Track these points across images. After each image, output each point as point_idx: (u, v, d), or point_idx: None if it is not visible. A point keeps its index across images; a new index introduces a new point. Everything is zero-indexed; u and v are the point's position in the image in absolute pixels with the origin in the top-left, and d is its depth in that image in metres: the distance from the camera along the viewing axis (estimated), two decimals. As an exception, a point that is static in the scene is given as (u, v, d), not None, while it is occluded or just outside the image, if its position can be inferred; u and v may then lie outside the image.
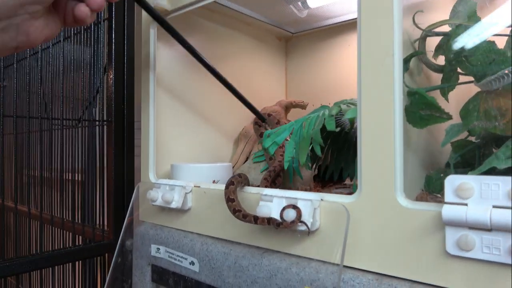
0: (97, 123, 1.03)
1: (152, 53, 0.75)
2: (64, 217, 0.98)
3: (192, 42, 0.86)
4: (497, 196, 0.36)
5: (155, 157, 0.75)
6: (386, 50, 0.44)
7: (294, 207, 0.47)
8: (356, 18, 0.46)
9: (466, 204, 0.37)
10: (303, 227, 0.46)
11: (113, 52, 0.98)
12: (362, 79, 0.45)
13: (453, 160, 0.53)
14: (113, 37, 0.99)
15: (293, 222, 0.46)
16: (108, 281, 0.68)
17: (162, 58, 0.79)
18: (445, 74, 0.53)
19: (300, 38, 1.07)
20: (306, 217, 0.47)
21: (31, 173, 1.11)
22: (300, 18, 0.95)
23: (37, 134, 1.05)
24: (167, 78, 0.81)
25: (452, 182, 0.38)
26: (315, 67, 1.04)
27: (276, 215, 0.49)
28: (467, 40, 0.46)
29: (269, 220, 0.48)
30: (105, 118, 1.01)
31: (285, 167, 0.55)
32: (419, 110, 0.46)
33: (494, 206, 0.36)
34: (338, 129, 0.52)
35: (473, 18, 0.49)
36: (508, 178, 0.35)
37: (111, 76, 0.98)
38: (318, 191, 0.66)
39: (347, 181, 0.67)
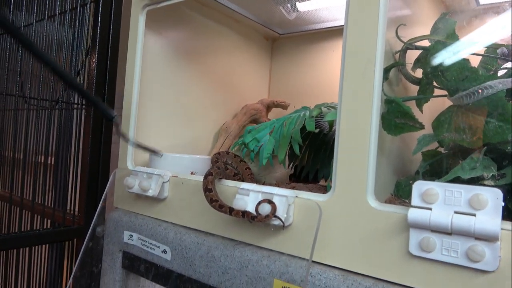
0: (75, 106, 1.02)
1: (140, 40, 0.75)
2: (35, 200, 0.96)
3: (180, 33, 0.87)
4: (459, 202, 0.38)
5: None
6: (368, 58, 0.46)
7: (270, 202, 0.49)
8: (342, 25, 0.48)
9: (430, 209, 0.40)
10: (277, 222, 0.48)
11: (97, 35, 0.96)
12: (344, 84, 0.47)
13: (422, 168, 0.56)
14: (99, 19, 0.98)
15: (267, 216, 0.48)
16: (77, 265, 0.67)
17: (149, 47, 0.79)
18: (421, 87, 0.56)
19: (287, 40, 1.08)
20: (280, 212, 0.48)
21: (3, 153, 1.09)
22: (288, 20, 0.97)
23: (11, 113, 1.03)
24: (152, 67, 0.81)
25: (419, 187, 0.41)
26: (299, 69, 1.06)
27: (251, 208, 0.50)
28: (444, 56, 0.49)
29: (244, 213, 0.50)
30: (84, 102, 0.99)
31: (264, 163, 0.57)
32: (395, 118, 0.49)
33: (455, 212, 0.38)
34: (318, 130, 0.54)
35: (452, 35, 0.52)
36: (470, 186, 0.38)
37: (93, 60, 0.97)
38: (295, 186, 0.68)
39: (322, 182, 0.70)
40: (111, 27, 0.99)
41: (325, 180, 0.62)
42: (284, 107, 0.97)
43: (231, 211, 0.51)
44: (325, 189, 0.59)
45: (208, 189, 0.55)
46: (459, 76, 0.47)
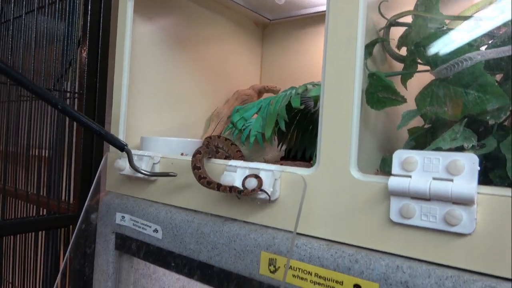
0: (68, 94, 1.02)
1: (129, 27, 0.75)
2: (29, 190, 0.97)
3: (170, 20, 0.87)
4: (437, 169, 0.39)
5: (126, 129, 0.75)
6: (350, 34, 0.46)
7: (256, 176, 0.50)
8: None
9: (410, 176, 0.41)
10: (263, 195, 0.49)
11: (88, 24, 0.97)
12: (327, 59, 0.48)
13: (407, 144, 0.57)
14: (89, 9, 0.98)
15: (253, 190, 0.49)
16: (71, 246, 0.68)
17: (139, 33, 0.80)
18: (405, 64, 0.57)
19: (277, 26, 1.09)
20: (266, 186, 0.49)
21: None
22: (278, 5, 0.97)
23: (4, 105, 1.03)
24: (142, 54, 0.81)
25: (400, 156, 0.42)
26: (290, 54, 1.07)
27: (239, 184, 0.51)
28: (425, 30, 0.50)
29: (231, 188, 0.51)
30: (76, 90, 1.00)
31: (251, 140, 0.58)
32: (377, 92, 0.49)
33: (434, 178, 0.39)
34: (303, 106, 0.55)
35: (435, 9, 0.53)
36: (447, 153, 0.39)
37: (84, 50, 0.98)
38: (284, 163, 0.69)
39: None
40: (102, 15, 0.99)
41: (311, 158, 0.63)
42: (275, 92, 0.98)
43: (218, 187, 0.52)
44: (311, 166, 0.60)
45: (197, 167, 0.56)
46: (441, 50, 0.48)
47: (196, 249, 0.56)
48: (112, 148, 0.75)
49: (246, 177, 0.50)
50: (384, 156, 0.60)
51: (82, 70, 0.98)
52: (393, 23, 0.55)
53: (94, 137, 1.00)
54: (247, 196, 0.49)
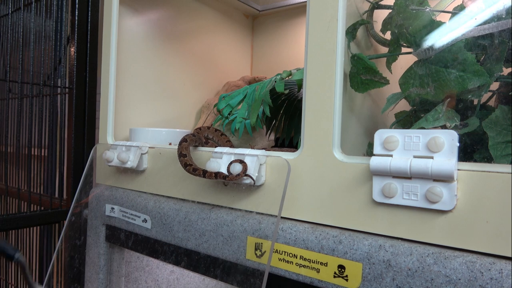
0: (58, 90, 1.02)
1: (115, 18, 0.75)
2: (21, 187, 0.97)
3: (158, 13, 0.87)
4: (417, 147, 0.39)
5: (114, 121, 0.75)
6: (331, 15, 0.46)
7: (241, 161, 0.50)
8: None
9: (391, 155, 0.41)
10: (248, 180, 0.49)
11: (76, 19, 0.96)
12: (309, 42, 0.48)
13: (392, 126, 0.57)
14: (77, 4, 0.98)
15: (238, 175, 0.49)
16: (61, 239, 0.68)
17: (126, 25, 0.80)
18: (390, 47, 0.57)
19: (267, 16, 1.09)
20: (251, 171, 0.49)
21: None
22: (266, -5, 0.97)
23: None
24: (130, 47, 0.81)
25: (381, 135, 0.42)
26: (280, 44, 1.06)
27: (224, 170, 0.51)
28: (407, 11, 0.50)
29: (217, 174, 0.51)
30: (66, 85, 1.00)
31: (237, 127, 0.58)
32: (360, 75, 0.49)
33: (414, 156, 0.39)
34: (287, 90, 0.55)
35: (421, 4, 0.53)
36: (427, 131, 0.39)
37: (73, 44, 0.97)
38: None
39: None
40: (89, 11, 0.99)
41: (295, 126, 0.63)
42: (265, 82, 0.98)
43: (204, 173, 0.52)
44: (299, 153, 0.60)
45: (183, 154, 0.55)
46: (423, 30, 0.48)
47: (184, 237, 0.56)
48: (101, 139, 0.75)
49: (231, 163, 0.50)
50: (370, 141, 0.60)
51: (71, 65, 0.98)
52: (375, 5, 0.55)
53: (85, 134, 1.00)
54: (232, 181, 0.49)
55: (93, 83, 1.00)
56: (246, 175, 0.49)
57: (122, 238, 0.65)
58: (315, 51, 0.48)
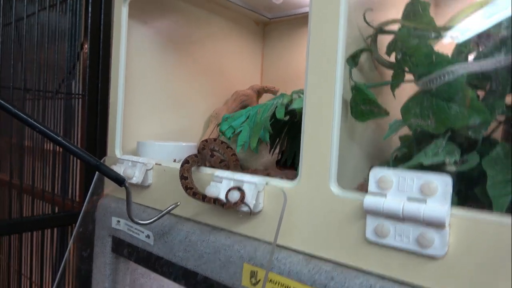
0: (73, 95, 1.04)
1: (124, 32, 0.76)
2: (36, 185, 1.00)
3: (167, 23, 0.87)
4: (411, 189, 0.39)
5: (122, 133, 0.77)
6: (331, 45, 0.46)
7: (239, 189, 0.50)
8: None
9: (385, 195, 0.40)
10: (245, 208, 0.50)
11: (89, 26, 0.98)
12: (309, 71, 0.48)
13: (398, 151, 0.56)
14: (90, 10, 0.99)
15: (236, 203, 0.49)
16: (68, 250, 0.71)
17: (134, 36, 0.80)
18: (394, 72, 0.56)
19: (278, 24, 1.08)
20: (249, 199, 0.50)
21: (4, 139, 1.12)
22: (276, 5, 0.96)
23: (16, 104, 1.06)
24: (139, 57, 0.82)
25: (375, 174, 0.41)
26: (291, 53, 1.06)
27: (223, 195, 0.52)
28: (410, 40, 0.49)
29: (216, 200, 0.51)
30: (81, 91, 1.02)
31: (238, 150, 0.58)
32: (361, 105, 0.49)
33: (408, 198, 0.39)
34: (287, 117, 0.55)
35: (424, 18, 0.52)
36: (421, 173, 0.39)
37: (85, 50, 0.99)
38: (276, 170, 0.69)
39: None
40: (102, 16, 1.00)
41: (294, 156, 0.63)
42: (274, 92, 0.98)
43: (203, 198, 0.53)
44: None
45: (184, 177, 0.56)
46: (425, 61, 0.47)
47: (184, 256, 0.58)
48: (109, 152, 0.77)
49: (229, 190, 0.51)
50: (372, 165, 0.59)
51: (84, 72, 1.00)
52: (379, 31, 0.54)
53: (97, 136, 1.02)
54: (230, 208, 0.50)
55: (106, 91, 1.02)
56: (244, 203, 0.49)
57: (127, 251, 0.67)
58: (314, 82, 0.47)
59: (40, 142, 1.05)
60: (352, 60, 0.51)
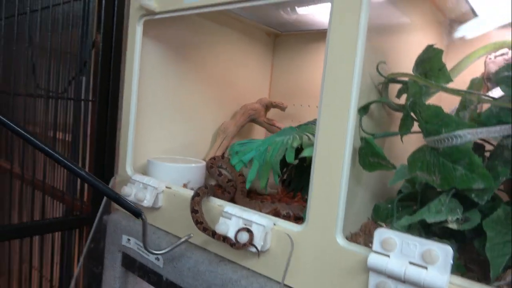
0: (83, 100, 1.06)
1: (138, 49, 0.77)
2: (46, 181, 1.03)
3: (178, 35, 0.88)
4: (413, 254, 0.41)
5: (133, 149, 0.79)
6: (343, 98, 0.47)
7: (248, 230, 0.53)
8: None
9: (388, 256, 0.43)
10: (253, 249, 0.52)
11: (101, 32, 0.98)
12: (320, 122, 0.49)
13: (405, 188, 0.58)
14: (102, 14, 1.00)
15: (245, 244, 0.52)
16: (79, 266, 0.74)
17: (146, 51, 0.81)
18: (403, 117, 0.57)
19: (289, 36, 1.08)
20: (257, 240, 0.52)
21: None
22: (288, 21, 0.96)
23: (21, 99, 1.07)
24: (150, 69, 0.83)
25: (380, 234, 0.44)
26: (300, 66, 1.06)
27: (232, 233, 0.54)
28: (419, 97, 0.50)
29: (225, 238, 0.54)
30: (91, 96, 1.03)
31: (247, 187, 0.60)
32: (369, 157, 0.51)
33: (410, 263, 0.41)
34: (296, 161, 0.57)
35: (437, 64, 0.53)
36: (424, 240, 0.41)
37: (98, 57, 1.00)
38: (282, 198, 0.72)
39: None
40: (115, 20, 1.01)
41: (303, 194, 0.65)
42: (282, 109, 0.99)
43: (213, 234, 0.55)
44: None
45: (194, 210, 0.59)
46: (433, 120, 0.49)
47: (193, 284, 0.61)
48: (120, 170, 0.79)
49: (238, 231, 0.53)
50: (377, 203, 0.61)
51: (95, 78, 1.01)
52: (390, 80, 0.55)
53: (106, 137, 1.04)
54: (239, 249, 0.52)
55: (115, 96, 1.03)
56: (252, 244, 0.52)
57: (137, 268, 0.70)
58: (326, 129, 0.49)
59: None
60: (364, 110, 0.52)
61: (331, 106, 0.49)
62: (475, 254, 0.52)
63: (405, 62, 0.64)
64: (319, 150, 0.50)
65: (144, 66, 0.81)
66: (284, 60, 1.10)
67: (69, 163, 0.51)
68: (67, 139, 1.08)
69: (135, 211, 0.54)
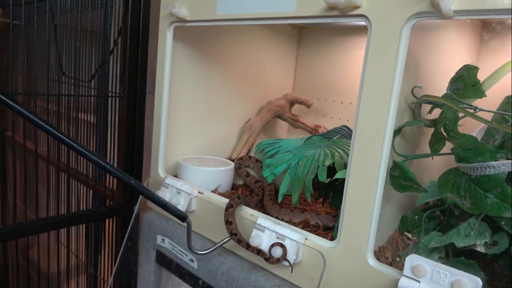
0: (110, 94, 1.08)
1: (168, 54, 0.78)
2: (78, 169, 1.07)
3: (205, 33, 0.87)
4: (443, 283, 0.44)
5: (165, 151, 0.81)
6: (381, 120, 0.48)
7: (282, 245, 0.55)
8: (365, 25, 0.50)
9: (419, 281, 0.45)
10: (286, 263, 0.55)
11: (128, 26, 0.99)
12: (356, 142, 0.50)
13: (425, 216, 0.60)
14: (129, 13, 1.00)
15: (278, 259, 0.55)
16: (118, 263, 0.79)
17: (174, 51, 0.81)
18: (435, 133, 0.58)
19: (315, 30, 1.07)
20: (290, 255, 0.55)
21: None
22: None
23: (51, 98, 1.11)
24: (180, 71, 0.84)
25: (412, 261, 0.46)
26: (325, 61, 1.06)
27: (266, 246, 0.57)
28: (454, 123, 0.51)
29: (259, 252, 0.57)
30: (118, 92, 1.06)
31: (279, 201, 0.63)
32: (401, 180, 0.52)
33: (439, 290, 0.44)
34: (328, 180, 0.59)
35: (471, 80, 0.54)
36: (455, 271, 0.43)
37: (126, 52, 1.01)
38: (311, 205, 0.74)
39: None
40: (141, 16, 1.01)
41: (336, 209, 0.67)
42: (308, 105, 1.00)
43: (248, 246, 0.59)
44: (335, 219, 0.65)
45: (229, 222, 0.62)
46: (466, 147, 0.49)
47: (226, 287, 0.65)
48: (152, 172, 0.82)
49: (272, 245, 0.56)
50: (404, 214, 0.63)
51: (123, 74, 1.03)
52: (423, 102, 0.56)
53: (135, 128, 1.06)
54: (273, 264, 0.56)
55: (143, 92, 1.05)
56: (286, 259, 0.55)
57: (172, 267, 0.74)
58: (360, 153, 0.50)
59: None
60: (397, 131, 0.53)
61: (367, 128, 0.50)
62: (499, 269, 0.54)
63: (438, 75, 0.64)
64: (353, 172, 0.51)
65: (173, 68, 0.82)
66: (309, 53, 1.09)
67: (119, 173, 0.54)
68: (91, 132, 1.12)
69: (181, 216, 0.57)
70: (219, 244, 0.62)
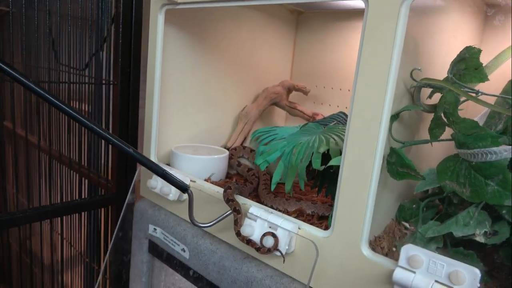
0: (104, 81, 1.06)
1: (160, 38, 0.75)
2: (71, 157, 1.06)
3: (198, 16, 0.85)
4: (440, 273, 0.42)
5: (157, 138, 0.79)
6: (377, 104, 0.46)
7: (273, 235, 0.53)
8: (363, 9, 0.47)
9: (414, 272, 0.43)
10: (278, 253, 0.53)
11: (121, 13, 0.96)
12: (351, 127, 0.48)
13: (423, 204, 0.58)
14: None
15: (270, 249, 0.53)
16: (109, 252, 0.77)
17: (167, 38, 0.79)
18: (434, 119, 0.55)
19: (313, 15, 1.04)
20: (282, 245, 0.53)
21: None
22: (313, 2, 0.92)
23: (45, 85, 1.08)
24: (172, 56, 0.82)
25: (407, 251, 0.44)
26: (323, 47, 1.03)
27: (257, 236, 0.55)
28: (454, 107, 0.48)
29: (249, 242, 0.55)
30: (111, 79, 1.03)
31: (272, 189, 0.61)
32: (398, 167, 0.50)
33: (436, 281, 0.42)
34: (323, 167, 0.57)
35: (473, 63, 0.51)
36: (452, 261, 0.41)
37: (118, 40, 0.99)
38: (307, 193, 0.72)
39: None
40: (134, 2, 0.98)
41: (332, 197, 0.65)
42: (305, 92, 0.97)
43: (238, 234, 0.57)
44: (331, 208, 0.62)
45: (231, 199, 0.59)
46: (467, 132, 0.47)
47: (218, 278, 0.63)
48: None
49: (264, 235, 0.54)
50: (402, 203, 0.61)
51: (116, 61, 1.00)
52: (423, 85, 0.53)
53: (129, 115, 1.04)
54: (264, 254, 0.54)
55: (137, 79, 1.03)
56: (277, 249, 0.53)
57: (163, 256, 0.73)
58: (355, 139, 0.48)
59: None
60: (395, 116, 0.51)
61: (363, 113, 0.47)
62: (498, 259, 0.52)
63: (438, 57, 0.61)
64: (348, 158, 0.49)
65: (165, 53, 0.80)
66: (307, 39, 1.06)
67: (118, 141, 0.52)
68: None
69: (182, 187, 0.56)
70: (221, 217, 0.60)
